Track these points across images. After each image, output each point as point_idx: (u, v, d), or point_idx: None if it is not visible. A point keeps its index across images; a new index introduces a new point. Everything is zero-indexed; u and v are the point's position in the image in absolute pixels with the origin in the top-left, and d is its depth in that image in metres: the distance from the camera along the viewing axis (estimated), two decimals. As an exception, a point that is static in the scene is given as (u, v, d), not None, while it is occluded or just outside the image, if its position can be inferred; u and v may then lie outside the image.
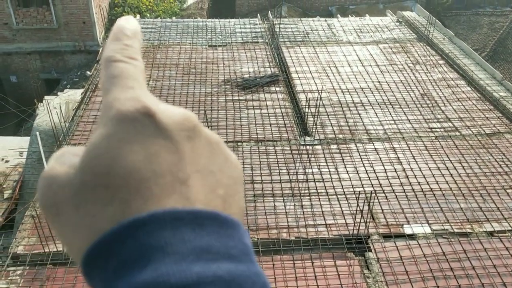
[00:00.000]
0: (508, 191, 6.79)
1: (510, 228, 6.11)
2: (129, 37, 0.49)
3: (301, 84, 9.60)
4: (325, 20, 13.23)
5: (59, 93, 14.94)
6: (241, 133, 8.00)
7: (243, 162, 7.25)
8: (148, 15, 20.63)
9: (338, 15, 15.71)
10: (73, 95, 13.47)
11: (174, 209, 0.39)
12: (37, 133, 8.22)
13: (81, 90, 10.39)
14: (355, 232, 5.88)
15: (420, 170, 7.19)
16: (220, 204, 0.43)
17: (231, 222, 0.41)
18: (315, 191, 6.72)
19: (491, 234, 6.04)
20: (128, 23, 0.51)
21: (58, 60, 19.63)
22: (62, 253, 5.58)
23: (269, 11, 14.53)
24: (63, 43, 19.28)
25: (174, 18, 16.71)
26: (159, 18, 17.52)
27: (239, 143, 7.72)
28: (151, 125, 0.42)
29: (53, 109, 8.86)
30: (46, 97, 10.80)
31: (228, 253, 0.38)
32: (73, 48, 19.41)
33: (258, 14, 14.54)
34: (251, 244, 0.42)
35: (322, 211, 6.33)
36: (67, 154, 0.46)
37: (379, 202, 6.47)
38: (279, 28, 11.92)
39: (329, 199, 6.57)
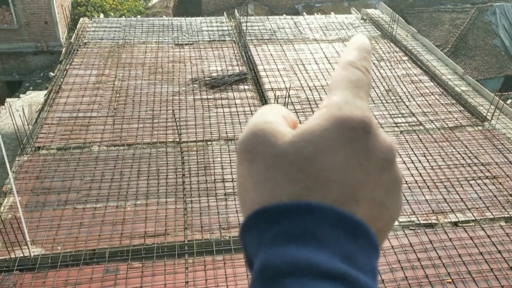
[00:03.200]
0: (471, 182, 7.01)
1: (473, 218, 6.31)
2: (368, 52, 0.54)
3: (269, 82, 9.65)
4: (292, 18, 13.32)
5: (21, 95, 14.56)
6: (211, 132, 7.98)
7: (213, 161, 7.25)
8: (112, 14, 20.31)
9: (304, 13, 15.84)
10: (36, 97, 13.15)
11: (340, 210, 0.43)
12: None
13: (45, 92, 10.17)
14: (325, 227, 5.95)
15: (387, 164, 7.32)
16: (374, 232, 0.47)
17: (376, 244, 0.45)
18: (284, 187, 6.76)
19: (455, 224, 6.22)
20: (366, 39, 0.55)
21: (20, 62, 19.13)
22: (29, 258, 5.46)
23: (236, 9, 14.52)
24: (24, 44, 18.80)
25: (139, 16, 16.52)
26: (123, 17, 17.28)
27: (208, 142, 7.70)
28: (363, 140, 0.46)
29: (15, 111, 8.64)
30: (8, 99, 10.51)
31: (363, 268, 0.43)
32: (35, 49, 18.95)
33: (225, 13, 14.51)
34: (377, 268, 0.47)
35: (292, 207, 6.38)
36: (280, 116, 0.50)
37: (348, 197, 6.56)
38: (246, 26, 11.94)
39: (298, 195, 6.62)
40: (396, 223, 6.15)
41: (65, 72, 9.81)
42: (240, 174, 0.49)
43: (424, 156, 7.58)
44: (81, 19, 12.77)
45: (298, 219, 0.42)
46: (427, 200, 6.60)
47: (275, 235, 0.42)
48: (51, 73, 15.97)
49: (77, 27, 12.14)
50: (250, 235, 0.44)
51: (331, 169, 0.44)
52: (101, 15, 16.74)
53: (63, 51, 11.07)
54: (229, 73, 9.89)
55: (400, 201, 0.51)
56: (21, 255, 5.48)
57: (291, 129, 0.48)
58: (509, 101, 16.46)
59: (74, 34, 11.76)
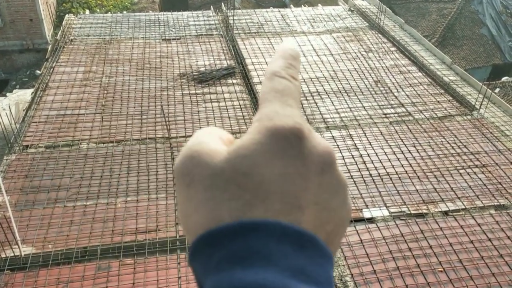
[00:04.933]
0: (461, 171, 7.05)
1: (464, 207, 6.35)
2: (294, 57, 0.54)
3: (258, 76, 9.62)
4: (279, 11, 13.29)
5: (7, 94, 14.41)
6: (200, 127, 7.93)
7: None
8: (98, 10, 20.14)
9: (291, 5, 15.80)
10: (23, 95, 13.03)
11: (285, 223, 0.43)
12: (-13, 136, 7.91)
13: (31, 90, 10.05)
14: (317, 219, 5.96)
15: (377, 155, 7.36)
16: (324, 238, 0.46)
17: (326, 252, 0.45)
18: (275, 181, 6.76)
19: (446, 213, 6.26)
20: (292, 45, 0.57)
21: (6, 60, 18.93)
22: (20, 257, 5.41)
23: (222, 3, 14.45)
24: (9, 42, 18.60)
25: (125, 12, 16.38)
26: (109, 13, 17.11)
27: (197, 137, 7.66)
28: (297, 147, 0.46)
29: (2, 110, 8.55)
30: (-6, 98, 10.39)
31: (316, 279, 0.42)
32: (21, 47, 18.75)
33: (211, 6, 14.43)
34: (333, 276, 0.46)
35: (284, 200, 6.38)
36: (215, 136, 0.50)
37: (339, 189, 6.58)
38: (233, 19, 11.88)
39: (289, 188, 6.63)
40: (387, 213, 6.18)
41: (51, 69, 9.71)
42: (180, 200, 0.48)
43: (414, 146, 7.61)
44: (67, 15, 12.62)
45: (242, 239, 0.42)
46: (417, 190, 6.64)
47: (220, 260, 0.41)
48: (38, 71, 15.81)
49: (63, 24, 12.01)
50: (198, 262, 0.44)
51: (270, 181, 0.44)
52: (87, 12, 16.57)
53: (49, 49, 10.95)
54: (217, 68, 9.85)
55: (347, 202, 0.51)
56: (12, 254, 5.43)
57: (227, 147, 0.48)
58: (497, 90, 16.58)
59: (60, 31, 11.63)
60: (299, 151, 0.45)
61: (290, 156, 0.45)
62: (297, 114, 0.48)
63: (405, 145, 7.64)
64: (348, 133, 7.92)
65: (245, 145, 0.45)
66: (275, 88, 0.50)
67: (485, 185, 6.78)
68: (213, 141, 0.48)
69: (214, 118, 8.20)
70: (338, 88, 9.33)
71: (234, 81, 9.45)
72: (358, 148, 7.52)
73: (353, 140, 7.72)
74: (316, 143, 0.47)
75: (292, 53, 0.54)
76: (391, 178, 6.86)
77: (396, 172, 6.99)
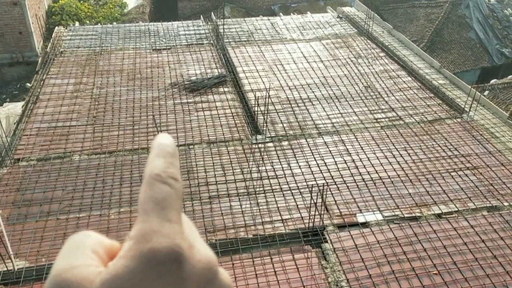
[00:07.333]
0: (452, 174, 7.10)
1: (456, 209, 6.39)
2: (172, 154, 0.51)
3: (249, 83, 9.65)
4: (268, 19, 13.36)
5: (-2, 107, 14.31)
6: (192, 136, 7.95)
7: (196, 165, 7.21)
8: (87, 21, 20.13)
9: (281, 14, 15.90)
10: (14, 108, 12.96)
11: None
12: (-23, 150, 7.85)
13: (22, 103, 10.01)
14: (311, 224, 5.98)
15: (369, 159, 7.39)
16: None
17: None
18: (269, 188, 6.78)
19: (439, 216, 6.30)
20: (168, 140, 0.52)
21: (-5, 73, 18.84)
22: (13, 271, 5.36)
23: (212, 12, 14.51)
24: (-1, 56, 18.53)
25: (115, 23, 16.38)
26: (99, 24, 17.11)
27: (190, 146, 7.67)
28: (176, 272, 0.44)
29: (-7, 124, 8.47)
30: (-16, 112, 10.32)
31: None
32: (11, 60, 18.69)
33: (201, 16, 14.49)
34: None
35: (278, 207, 6.40)
36: (88, 252, 0.47)
37: (332, 194, 6.61)
38: (223, 28, 11.93)
39: (283, 194, 6.65)
40: (381, 217, 6.20)
41: (42, 82, 9.68)
42: None
43: (405, 150, 7.66)
44: (56, 28, 12.61)
45: None
46: (410, 194, 6.67)
47: None
48: (28, 84, 15.75)
49: (53, 36, 11.99)
50: None
51: None
52: (77, 23, 16.57)
53: (39, 61, 10.92)
54: (208, 76, 9.87)
55: None
56: (5, 269, 5.38)
57: (102, 267, 0.45)
58: (486, 93, 16.73)
59: (49, 44, 11.62)
60: (178, 275, 0.44)
61: (168, 282, 0.44)
62: (177, 231, 0.46)
63: (396, 149, 7.68)
64: (340, 138, 7.95)
65: (119, 275, 0.43)
66: (154, 197, 0.47)
67: (476, 187, 6.83)
68: (85, 262, 0.46)
69: (206, 126, 8.20)
70: (329, 94, 9.38)
71: (226, 89, 9.47)
72: (350, 153, 7.55)
73: (345, 146, 7.75)
74: (196, 261, 0.46)
75: (170, 150, 0.51)
76: (383, 182, 6.89)
77: (389, 176, 7.02)
